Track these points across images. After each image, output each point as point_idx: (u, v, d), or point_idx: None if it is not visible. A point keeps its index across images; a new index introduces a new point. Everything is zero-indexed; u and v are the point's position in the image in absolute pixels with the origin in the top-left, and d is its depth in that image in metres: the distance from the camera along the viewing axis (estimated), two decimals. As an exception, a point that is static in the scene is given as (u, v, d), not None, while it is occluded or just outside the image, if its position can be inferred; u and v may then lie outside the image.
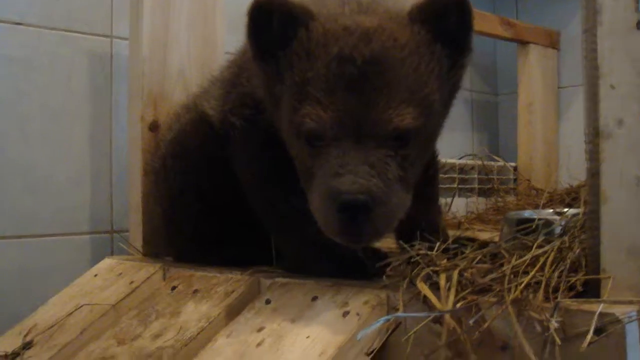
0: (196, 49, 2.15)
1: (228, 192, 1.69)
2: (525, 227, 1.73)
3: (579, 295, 1.09)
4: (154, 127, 2.04)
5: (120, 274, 1.85)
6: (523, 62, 3.47)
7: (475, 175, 3.30)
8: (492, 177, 3.35)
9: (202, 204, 1.76)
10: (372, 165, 1.24)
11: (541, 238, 1.26)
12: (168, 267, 1.77)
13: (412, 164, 1.33)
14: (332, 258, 1.49)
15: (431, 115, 1.34)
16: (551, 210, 2.03)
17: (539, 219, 1.71)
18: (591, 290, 1.10)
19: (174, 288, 1.65)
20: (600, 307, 1.00)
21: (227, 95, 1.72)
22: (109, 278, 1.85)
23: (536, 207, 2.70)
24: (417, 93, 1.30)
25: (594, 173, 1.12)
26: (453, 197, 2.90)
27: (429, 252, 1.29)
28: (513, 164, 3.47)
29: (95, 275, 1.91)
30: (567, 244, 1.20)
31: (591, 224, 1.12)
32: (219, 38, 2.19)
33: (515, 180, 3.44)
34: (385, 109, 1.26)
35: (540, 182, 3.34)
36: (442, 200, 2.76)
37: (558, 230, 1.58)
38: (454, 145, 3.38)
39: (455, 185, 3.15)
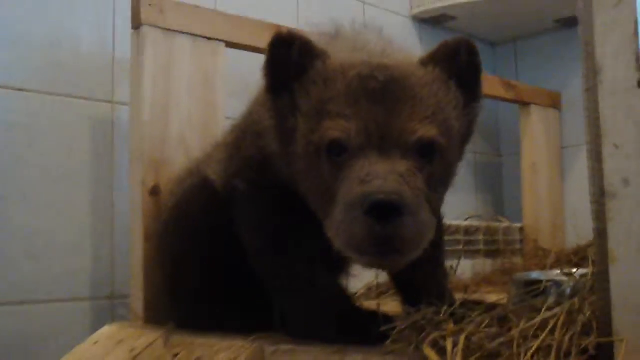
0: (197, 113, 2.15)
1: (231, 258, 1.66)
2: (533, 289, 1.71)
3: (591, 359, 1.06)
4: (155, 191, 2.02)
5: (121, 341, 1.81)
6: (525, 123, 3.47)
7: (481, 237, 3.26)
8: (498, 238, 3.32)
9: (204, 270, 1.74)
10: (401, 175, 1.22)
11: (550, 300, 1.23)
12: (170, 334, 1.73)
13: (435, 188, 1.32)
14: (336, 322, 1.46)
15: (451, 140, 1.36)
16: (559, 271, 2.00)
17: (547, 281, 1.69)
18: (604, 353, 1.07)
19: (175, 356, 1.61)
20: (613, 372, 0.97)
21: (230, 159, 1.71)
22: (109, 345, 1.82)
23: (543, 268, 2.66)
24: (438, 115, 1.33)
25: (601, 233, 1.10)
26: (459, 259, 2.86)
27: (435, 316, 1.26)
28: (519, 224, 3.44)
29: (95, 343, 1.87)
30: (577, 306, 1.17)
31: (600, 285, 1.10)
32: (219, 102, 2.19)
33: (521, 241, 3.40)
34: (409, 120, 1.28)
35: (547, 242, 3.31)
36: (448, 263, 2.74)
37: (567, 291, 1.56)
38: (458, 207, 3.35)
39: (461, 248, 3.12)
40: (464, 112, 1.42)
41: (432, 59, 1.42)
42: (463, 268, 2.95)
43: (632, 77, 1.08)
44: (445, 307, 1.30)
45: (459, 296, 1.67)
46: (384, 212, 1.15)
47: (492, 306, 1.40)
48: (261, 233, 1.60)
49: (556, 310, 1.16)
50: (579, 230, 3.13)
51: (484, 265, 3.17)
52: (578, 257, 2.72)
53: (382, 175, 1.20)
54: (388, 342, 1.26)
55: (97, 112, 2.36)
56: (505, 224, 3.40)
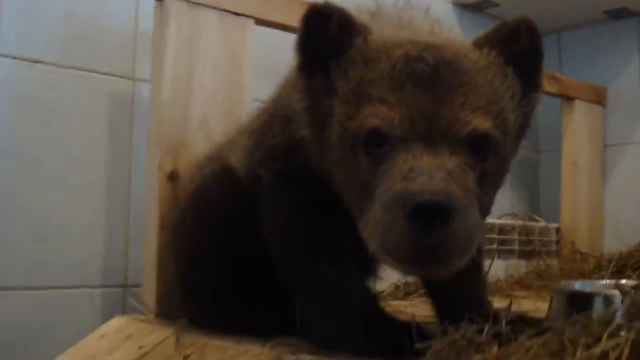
0: (222, 94, 2.01)
1: (251, 253, 1.53)
2: (577, 302, 1.56)
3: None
4: (173, 177, 1.89)
5: (130, 336, 1.69)
6: (567, 119, 3.31)
7: (516, 237, 3.11)
8: (533, 238, 3.16)
9: (221, 265, 1.60)
10: (450, 173, 1.06)
11: (613, 324, 1.07)
12: (181, 333, 1.60)
13: (487, 187, 1.17)
14: (364, 332, 1.32)
15: (506, 134, 1.21)
16: (605, 282, 1.85)
17: (598, 294, 1.53)
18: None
19: (186, 357, 1.48)
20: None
21: (255, 146, 1.57)
22: (117, 340, 1.71)
23: (583, 274, 2.51)
24: (493, 105, 1.17)
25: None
26: (492, 259, 2.70)
27: (477, 336, 1.11)
28: (555, 225, 3.28)
29: (103, 336, 1.76)
30: (644, 334, 1.01)
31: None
32: (246, 84, 2.05)
33: (557, 242, 3.24)
34: (461, 109, 1.13)
35: (584, 246, 3.15)
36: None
37: (620, 309, 1.40)
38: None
39: (495, 247, 2.97)
40: (521, 102, 1.26)
41: (488, 41, 1.26)
42: (496, 268, 2.79)
43: None
44: (488, 325, 1.15)
45: (496, 303, 1.52)
46: (429, 216, 1.00)
47: (541, 327, 1.25)
48: (286, 230, 1.47)
49: (619, 339, 1.00)
50: (619, 234, 2.98)
51: (518, 266, 3.02)
52: (620, 264, 2.55)
53: (428, 171, 1.05)
54: (422, 361, 1.11)
55: (117, 89, 2.24)
56: (542, 223, 3.24)
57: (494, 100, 1.18)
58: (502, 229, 3.06)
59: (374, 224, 1.10)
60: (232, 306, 1.60)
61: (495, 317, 1.26)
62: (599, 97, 3.40)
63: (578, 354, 0.99)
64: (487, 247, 2.90)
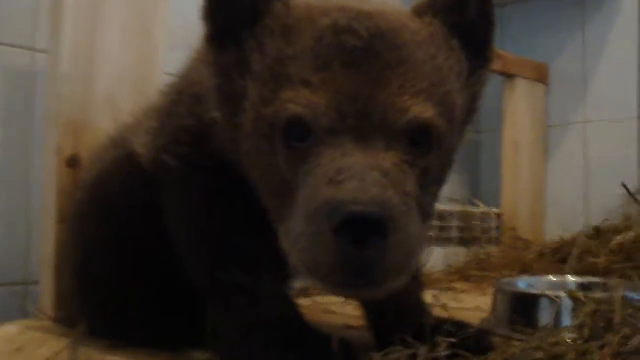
0: (130, 69, 1.79)
1: (155, 251, 1.33)
2: (521, 303, 1.46)
3: None
4: (73, 162, 1.67)
5: (19, 348, 1.48)
6: (509, 97, 3.20)
7: (455, 223, 2.96)
8: (473, 224, 3.03)
9: (121, 264, 1.40)
10: (385, 173, 0.90)
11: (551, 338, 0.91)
12: (76, 345, 1.39)
13: (430, 186, 1.01)
14: (278, 347, 1.13)
15: (453, 121, 1.03)
16: (551, 278, 1.73)
17: (543, 296, 1.40)
18: None
19: (77, 377, 1.28)
20: None
21: (160, 127, 1.37)
22: (5, 352, 1.49)
23: (524, 264, 2.39)
24: (436, 87, 1.00)
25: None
26: (430, 247, 2.56)
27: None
28: (495, 209, 3.15)
29: (-11, 347, 1.53)
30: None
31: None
32: (158, 56, 1.84)
33: (497, 228, 3.11)
34: (399, 92, 0.95)
35: (525, 230, 3.05)
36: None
37: (568, 317, 1.27)
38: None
39: (433, 234, 2.82)
40: (468, 81, 1.09)
41: (430, 8, 1.09)
42: (434, 257, 2.65)
43: None
44: (422, 349, 0.97)
45: (434, 298, 1.35)
46: (360, 230, 0.83)
47: (485, 344, 1.08)
48: (191, 226, 1.27)
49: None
50: (560, 218, 2.88)
51: (457, 254, 2.88)
52: (562, 253, 2.43)
53: (359, 173, 0.87)
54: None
55: (16, 60, 2.01)
56: (482, 208, 3.11)
57: (438, 81, 1.00)
58: (440, 215, 2.91)
59: (296, 236, 0.93)
60: (133, 312, 1.39)
61: (432, 332, 1.09)
62: (541, 75, 3.30)
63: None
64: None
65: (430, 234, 2.82)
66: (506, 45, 3.42)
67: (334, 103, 0.94)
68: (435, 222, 2.87)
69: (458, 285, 2.33)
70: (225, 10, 1.09)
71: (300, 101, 0.95)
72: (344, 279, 0.88)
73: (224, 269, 1.20)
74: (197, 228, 1.26)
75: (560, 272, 1.92)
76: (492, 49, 1.15)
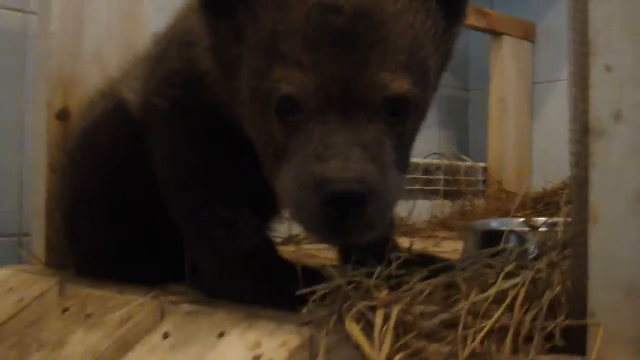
0: (117, 26, 1.84)
1: (141, 195, 1.39)
2: (491, 240, 1.48)
3: (558, 348, 0.81)
4: (63, 115, 1.73)
5: (11, 289, 1.55)
6: (496, 55, 3.23)
7: (441, 176, 3.02)
8: (459, 178, 3.08)
9: (107, 208, 1.46)
10: (365, 146, 0.99)
11: (510, 265, 0.98)
12: (64, 284, 1.47)
13: (406, 145, 1.12)
14: (253, 279, 1.21)
15: (427, 85, 1.11)
16: (523, 220, 1.78)
17: (509, 232, 1.45)
18: (574, 340, 0.82)
19: (65, 310, 1.36)
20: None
21: (151, 73, 1.42)
22: (-2, 293, 1.56)
23: (506, 213, 2.44)
24: (413, 56, 1.06)
25: (581, 183, 0.84)
26: (415, 200, 2.61)
27: (367, 279, 1.00)
28: (482, 164, 3.20)
29: (-16, 290, 1.61)
30: (543, 274, 0.92)
31: (576, 250, 0.84)
32: (144, 15, 1.88)
33: (484, 182, 3.17)
34: (379, 70, 1.01)
35: (511, 185, 3.09)
36: (404, 203, 2.50)
37: (532, 248, 1.32)
38: (419, 143, 3.08)
39: (419, 187, 2.87)
40: (443, 38, 1.14)
41: None
42: (420, 209, 2.70)
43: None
44: (380, 268, 1.05)
45: (410, 245, 1.42)
46: (344, 202, 0.95)
47: (440, 266, 1.15)
48: (177, 162, 1.33)
49: (517, 279, 0.91)
50: (546, 173, 2.93)
51: (443, 206, 2.94)
52: (544, 202, 2.49)
53: (343, 149, 0.97)
54: (305, 310, 1.00)
55: (7, 22, 2.06)
56: (468, 163, 3.16)
57: (415, 50, 1.06)
58: (427, 169, 2.97)
59: (288, 195, 1.05)
60: (118, 253, 1.47)
61: (395, 254, 1.17)
62: (527, 33, 3.32)
63: (472, 296, 0.89)
64: (410, 187, 2.82)
65: (416, 186, 2.88)
66: (495, 4, 3.46)
67: (322, 84, 1.00)
68: (421, 176, 2.93)
69: (441, 234, 2.38)
70: None
71: (293, 81, 1.01)
72: (329, 234, 1.02)
73: (206, 203, 1.27)
74: (183, 164, 1.32)
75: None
76: (468, 6, 1.19)
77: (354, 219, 0.97)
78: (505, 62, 3.22)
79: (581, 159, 0.84)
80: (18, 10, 2.07)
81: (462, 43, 3.49)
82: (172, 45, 1.36)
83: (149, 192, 1.35)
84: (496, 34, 3.19)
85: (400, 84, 1.03)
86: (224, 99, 1.22)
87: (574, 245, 0.84)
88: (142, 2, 1.90)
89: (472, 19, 2.99)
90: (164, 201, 1.35)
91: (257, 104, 1.10)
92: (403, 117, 1.06)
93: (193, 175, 1.31)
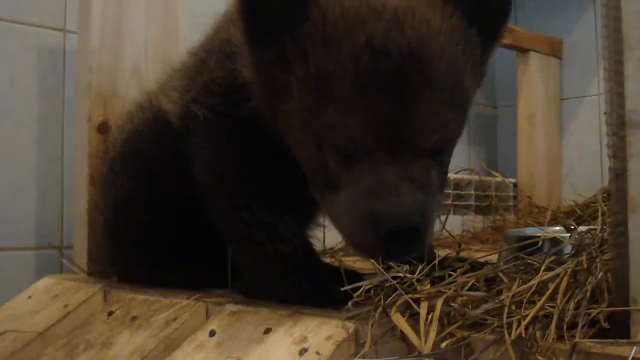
0: (155, 43, 1.90)
1: (182, 202, 1.43)
2: (527, 245, 1.49)
3: (602, 333, 0.83)
4: (103, 128, 1.78)
5: (56, 296, 1.59)
6: (523, 72, 3.23)
7: (472, 192, 3.04)
8: (490, 193, 3.09)
9: (150, 215, 1.51)
10: (414, 180, 1.03)
11: (550, 258, 1.00)
12: (108, 290, 1.51)
13: (446, 166, 1.17)
14: (294, 280, 1.24)
15: (467, 111, 1.15)
16: (558, 228, 1.79)
17: (545, 236, 1.47)
18: (618, 326, 0.84)
19: (110, 314, 1.39)
20: (633, 351, 0.74)
21: (190, 83, 1.45)
22: (43, 300, 1.60)
23: (539, 225, 2.44)
24: (457, 92, 1.08)
25: (620, 174, 0.87)
26: (447, 214, 2.63)
27: (408, 275, 1.03)
28: (513, 179, 3.21)
29: (29, 297, 1.65)
30: (584, 266, 0.94)
31: (616, 239, 0.86)
32: (181, 31, 1.94)
33: (515, 197, 3.17)
34: (428, 116, 1.04)
35: (542, 200, 3.08)
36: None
37: (568, 249, 1.33)
38: (449, 158, 3.12)
39: (450, 202, 2.89)
40: (480, 60, 1.16)
41: None
42: (451, 224, 2.72)
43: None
44: (422, 265, 1.07)
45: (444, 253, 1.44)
46: (402, 238, 1.00)
47: (479, 264, 1.17)
48: (219, 168, 1.36)
49: (558, 270, 0.93)
50: (576, 188, 2.92)
51: (475, 221, 2.95)
52: (575, 216, 2.49)
53: (394, 186, 1.02)
54: (349, 304, 1.03)
55: (47, 41, 2.11)
56: (499, 178, 3.17)
57: (459, 83, 1.08)
58: (458, 184, 2.98)
59: (343, 224, 1.10)
60: (162, 259, 1.51)
61: (432, 258, 1.19)
62: (554, 50, 3.32)
63: (514, 286, 0.91)
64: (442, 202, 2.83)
65: (448, 202, 2.89)
66: (519, 20, 3.48)
67: (373, 130, 1.03)
68: (453, 191, 2.94)
69: (473, 246, 2.39)
70: (259, 11, 1.12)
71: (344, 132, 1.04)
72: (387, 259, 1.12)
73: (247, 208, 1.30)
74: (223, 169, 1.35)
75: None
76: (505, 30, 1.21)
77: (410, 249, 1.03)
78: (533, 79, 3.21)
79: (619, 152, 0.87)
80: (58, 29, 2.12)
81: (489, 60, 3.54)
82: (211, 56, 1.39)
83: (190, 198, 1.39)
84: (523, 50, 3.20)
85: (447, 129, 1.06)
86: (266, 113, 1.23)
87: (614, 235, 0.86)
88: (178, 18, 1.95)
89: (499, 37, 3.00)
90: (205, 206, 1.38)
91: (307, 136, 1.11)
92: (446, 150, 1.11)
93: (233, 181, 1.34)
